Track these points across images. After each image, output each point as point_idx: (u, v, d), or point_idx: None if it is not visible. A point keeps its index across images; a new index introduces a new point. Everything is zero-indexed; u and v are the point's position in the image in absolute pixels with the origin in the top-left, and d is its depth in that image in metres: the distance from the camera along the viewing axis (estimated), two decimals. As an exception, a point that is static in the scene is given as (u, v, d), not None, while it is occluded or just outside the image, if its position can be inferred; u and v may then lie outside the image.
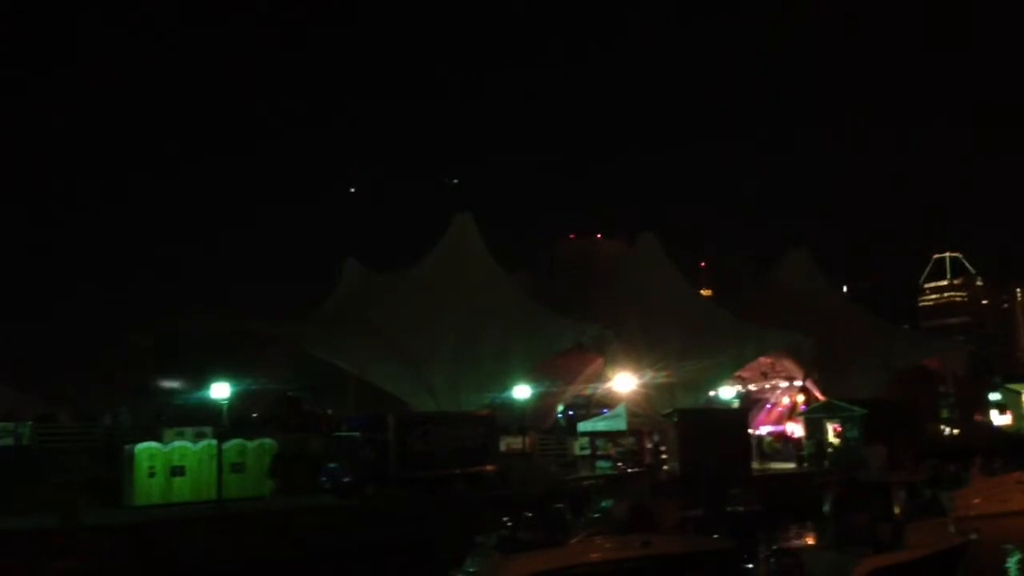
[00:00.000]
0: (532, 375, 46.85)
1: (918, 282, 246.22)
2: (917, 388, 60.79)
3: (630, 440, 41.95)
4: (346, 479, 31.39)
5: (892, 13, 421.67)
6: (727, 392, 58.04)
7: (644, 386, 50.67)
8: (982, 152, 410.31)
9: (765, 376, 62.03)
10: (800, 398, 59.19)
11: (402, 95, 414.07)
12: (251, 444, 32.58)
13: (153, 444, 30.64)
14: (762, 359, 59.21)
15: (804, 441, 49.02)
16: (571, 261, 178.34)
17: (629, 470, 37.40)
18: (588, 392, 55.34)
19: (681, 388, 51.91)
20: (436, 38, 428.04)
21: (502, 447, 38.24)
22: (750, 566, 20.96)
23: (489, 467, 34.90)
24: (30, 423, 35.12)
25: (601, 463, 41.29)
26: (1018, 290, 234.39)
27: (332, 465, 32.19)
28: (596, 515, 22.21)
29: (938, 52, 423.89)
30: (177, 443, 31.12)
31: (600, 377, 53.08)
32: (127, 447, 30.51)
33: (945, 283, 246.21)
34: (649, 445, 42.34)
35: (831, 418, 47.46)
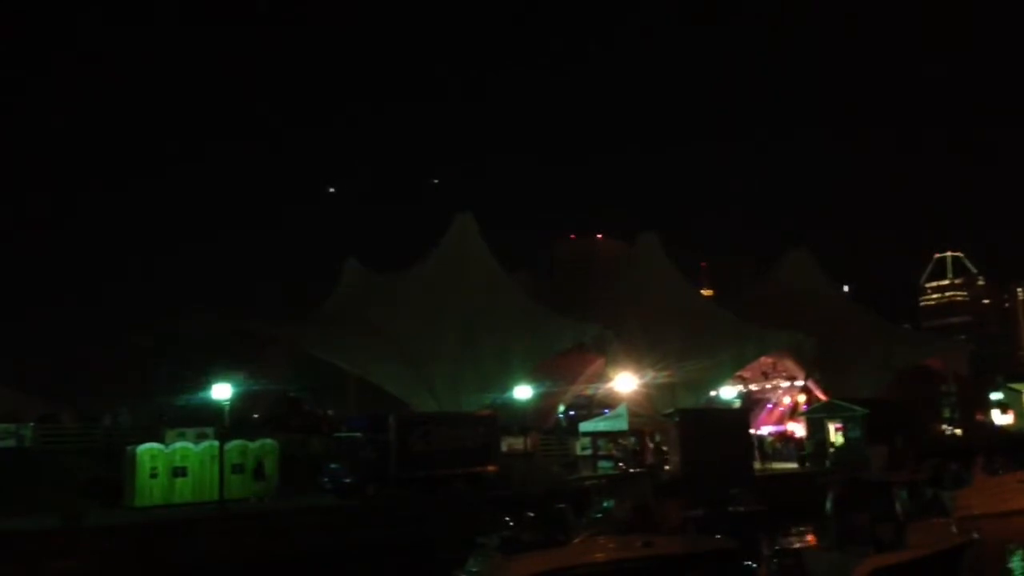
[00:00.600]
0: (533, 375, 46.86)
1: (919, 282, 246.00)
2: (918, 388, 60.79)
3: (631, 440, 41.93)
4: (347, 479, 31.36)
5: (892, 13, 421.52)
6: (728, 392, 57.99)
7: (645, 386, 50.67)
8: (982, 151, 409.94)
9: (766, 376, 62.05)
10: (801, 398, 59.18)
11: (402, 95, 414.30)
12: (252, 445, 32.57)
13: (155, 445, 30.63)
14: (763, 359, 59.23)
15: (805, 441, 49.00)
16: (571, 261, 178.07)
17: (631, 470, 37.42)
18: (589, 392, 55.35)
19: (682, 388, 51.93)
20: (436, 38, 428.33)
21: (503, 447, 38.19)
22: (752, 566, 20.93)
23: (490, 467, 34.86)
24: (32, 424, 35.10)
25: (603, 463, 41.27)
26: (1019, 289, 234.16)
27: (333, 465, 32.18)
28: (598, 515, 22.20)
29: (938, 52, 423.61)
30: (179, 444, 31.12)
31: (601, 377, 53.09)
32: (129, 448, 30.50)
33: (946, 282, 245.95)
34: (651, 445, 42.31)
35: (832, 418, 47.44)
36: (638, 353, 51.53)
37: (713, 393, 55.87)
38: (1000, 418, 65.56)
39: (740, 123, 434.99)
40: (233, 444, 31.41)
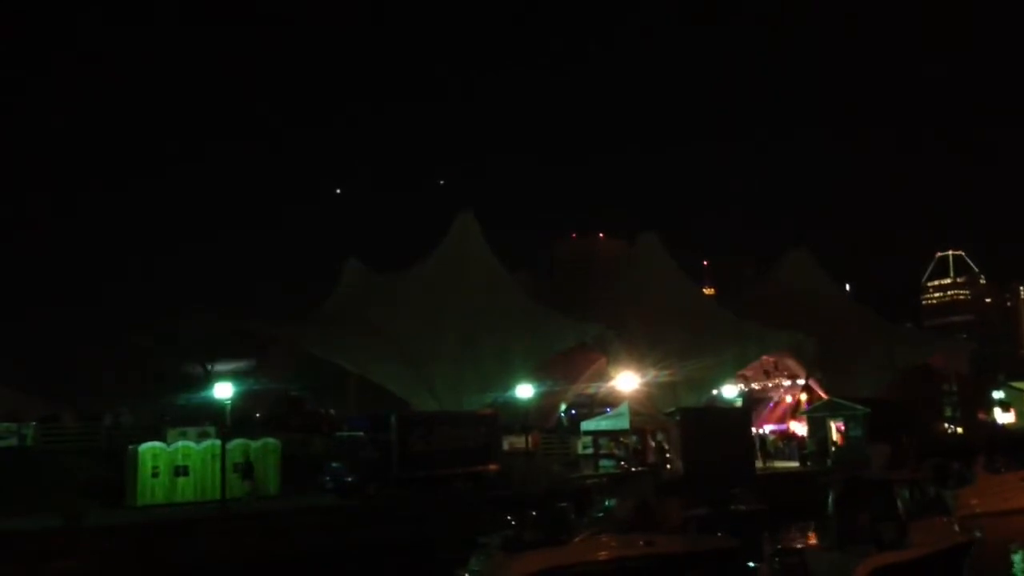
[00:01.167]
0: (534, 374, 46.83)
1: (921, 280, 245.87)
2: (920, 387, 60.69)
3: (633, 439, 41.89)
4: (348, 479, 31.36)
5: (892, 13, 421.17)
6: (730, 391, 57.93)
7: (647, 385, 50.64)
8: (982, 151, 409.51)
9: (768, 375, 61.99)
10: (803, 397, 59.14)
11: (402, 95, 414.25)
12: (254, 444, 32.59)
13: (157, 444, 30.68)
14: (765, 358, 59.18)
15: (807, 440, 48.96)
16: (572, 261, 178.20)
17: (632, 469, 37.40)
18: (591, 391, 55.32)
19: (684, 387, 51.90)
20: (436, 38, 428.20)
21: (505, 446, 38.18)
22: (753, 565, 20.89)
23: (492, 467, 34.86)
24: (33, 424, 35.13)
25: (604, 462, 41.25)
26: (1021, 288, 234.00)
27: (334, 465, 32.18)
28: (599, 514, 22.20)
29: (938, 52, 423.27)
30: (180, 443, 31.17)
31: (603, 376, 53.08)
32: (131, 447, 30.53)
33: (948, 281, 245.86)
34: (652, 444, 42.27)
35: (834, 417, 47.40)
36: (639, 352, 51.51)
37: (715, 392, 55.81)
38: (1002, 417, 65.51)
39: (740, 123, 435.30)
40: (235, 443, 31.42)
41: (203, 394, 33.34)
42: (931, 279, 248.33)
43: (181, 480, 30.44)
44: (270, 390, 45.82)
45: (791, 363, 59.03)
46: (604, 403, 53.37)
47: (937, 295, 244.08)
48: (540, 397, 46.92)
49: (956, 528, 20.55)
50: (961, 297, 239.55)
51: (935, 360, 66.11)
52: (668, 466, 40.15)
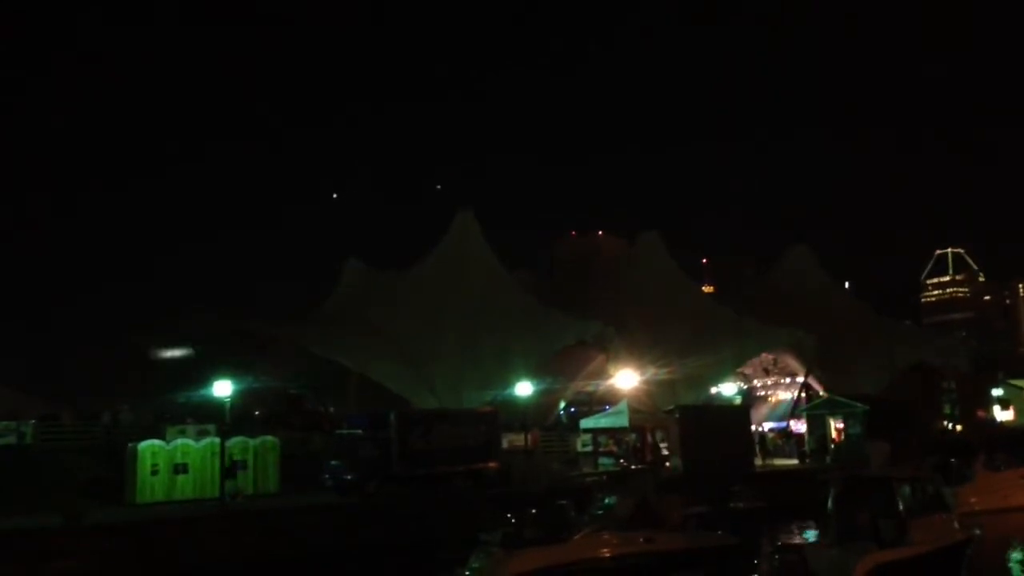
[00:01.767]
0: (534, 372, 46.84)
1: (920, 278, 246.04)
2: (919, 384, 60.75)
3: (632, 437, 41.91)
4: (348, 477, 31.37)
5: (892, 13, 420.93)
6: (729, 388, 58.02)
7: (646, 383, 50.67)
8: (982, 151, 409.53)
9: (767, 372, 62.08)
10: (802, 394, 59.19)
11: (402, 95, 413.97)
12: (253, 442, 32.60)
13: (156, 442, 30.71)
14: (764, 355, 59.23)
15: (806, 437, 48.98)
16: (571, 259, 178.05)
17: (632, 467, 37.44)
18: (590, 389, 55.34)
19: (683, 384, 51.90)
20: (436, 38, 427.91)
21: (504, 444, 38.19)
22: (753, 562, 20.92)
23: (491, 464, 34.85)
24: (32, 422, 35.14)
25: (604, 460, 41.28)
26: (1021, 286, 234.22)
27: (334, 463, 32.19)
28: (599, 512, 22.21)
29: (938, 52, 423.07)
30: (180, 441, 31.20)
31: (602, 374, 53.09)
32: (130, 445, 30.55)
33: (947, 279, 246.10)
34: (651, 441, 42.30)
35: (833, 414, 47.41)
36: (639, 350, 51.53)
37: (714, 390, 55.90)
38: (1001, 414, 65.55)
39: (740, 123, 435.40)
40: (234, 441, 31.44)
41: (202, 392, 33.32)
42: (930, 277, 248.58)
43: (180, 478, 30.47)
44: (270, 388, 45.81)
45: (791, 361, 59.08)
46: (603, 401, 53.39)
47: (936, 293, 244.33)
48: (539, 395, 46.94)
49: (956, 525, 20.55)
50: (960, 295, 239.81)
51: (934, 358, 66.16)
52: (667, 463, 40.19)
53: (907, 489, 20.12)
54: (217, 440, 30.64)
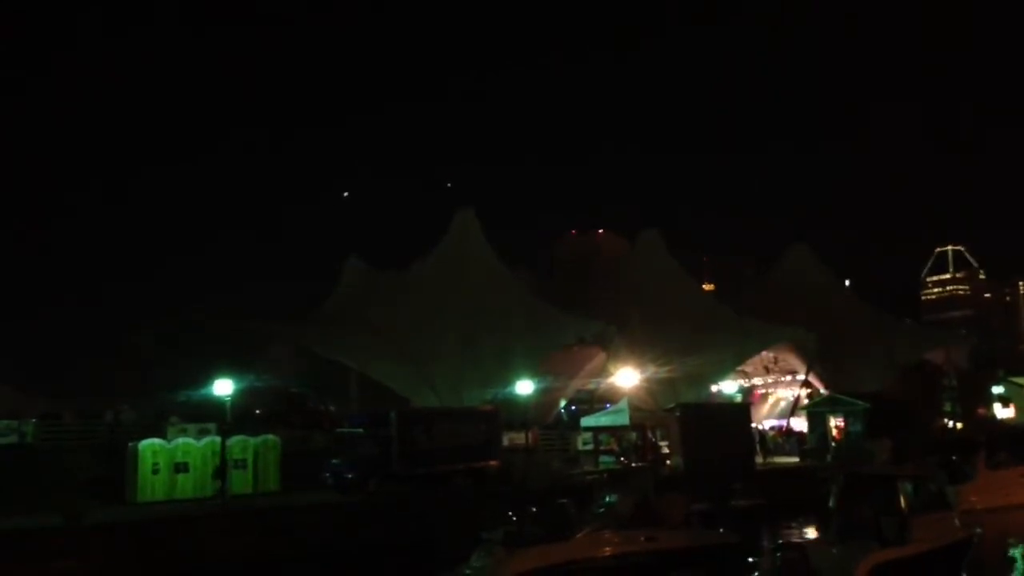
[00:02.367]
0: (534, 371, 46.84)
1: (920, 276, 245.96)
2: (920, 382, 60.71)
3: (633, 435, 41.91)
4: (349, 475, 31.37)
5: (892, 13, 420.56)
6: (730, 387, 58.00)
7: (647, 381, 50.66)
8: (982, 151, 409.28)
9: (768, 371, 62.07)
10: (803, 392, 59.19)
11: (403, 95, 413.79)
12: (254, 441, 32.59)
13: (157, 441, 30.70)
14: (764, 354, 59.20)
15: (807, 435, 48.97)
16: (571, 258, 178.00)
17: (633, 465, 37.43)
18: (591, 387, 55.36)
19: (684, 383, 51.88)
20: (436, 38, 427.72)
21: (505, 443, 38.19)
22: (755, 560, 20.91)
23: (492, 463, 34.85)
24: (33, 421, 35.13)
25: (604, 458, 41.28)
26: (1021, 283, 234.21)
27: (335, 461, 32.20)
28: (600, 510, 22.20)
29: (938, 52, 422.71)
30: (180, 440, 31.19)
31: (603, 372, 53.09)
32: (131, 444, 30.55)
33: (948, 277, 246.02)
34: (652, 440, 42.29)
35: (834, 412, 47.40)
36: (639, 348, 51.51)
37: (715, 388, 55.86)
38: (1001, 412, 65.48)
39: (740, 123, 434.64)
40: (235, 440, 31.43)
41: (203, 391, 33.31)
42: (930, 275, 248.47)
43: (181, 477, 30.46)
44: (270, 387, 45.80)
45: (791, 359, 59.05)
46: (604, 399, 53.42)
47: (936, 291, 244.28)
48: (540, 393, 46.97)
49: (957, 523, 20.54)
50: (960, 292, 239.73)
51: (935, 355, 66.16)
52: (668, 462, 40.18)
53: (909, 487, 20.11)
54: (218, 439, 30.65)
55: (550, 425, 50.42)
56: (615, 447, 42.04)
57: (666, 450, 41.78)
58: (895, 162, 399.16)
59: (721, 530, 23.19)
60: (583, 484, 31.42)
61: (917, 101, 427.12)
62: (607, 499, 22.67)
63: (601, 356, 52.87)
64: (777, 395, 62.69)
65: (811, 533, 27.92)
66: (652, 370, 50.70)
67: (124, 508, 28.47)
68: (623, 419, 42.02)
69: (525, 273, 70.07)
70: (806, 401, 55.86)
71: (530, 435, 40.66)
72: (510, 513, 21.59)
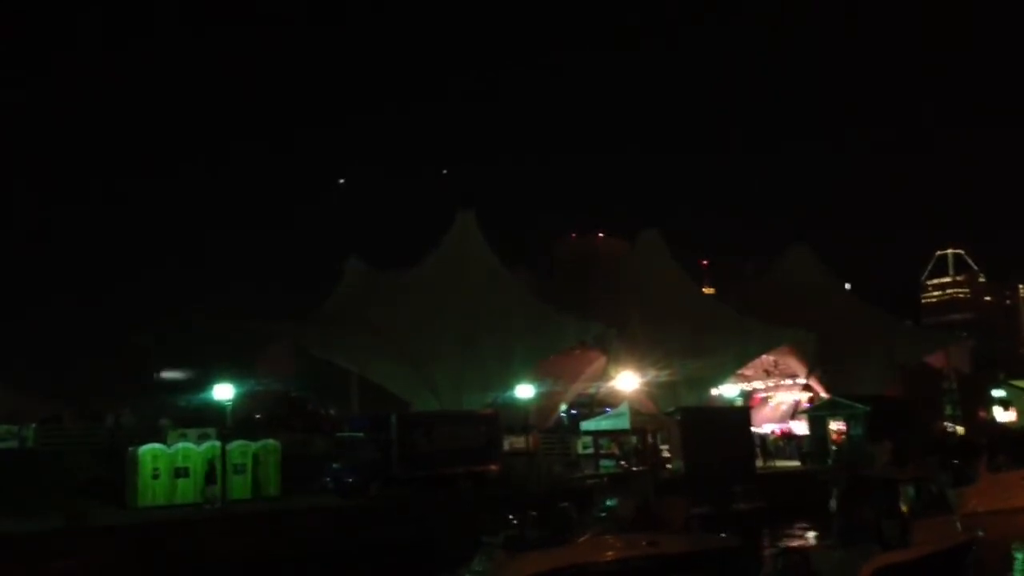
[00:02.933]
0: (535, 374, 46.81)
1: (921, 279, 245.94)
2: (920, 385, 60.68)
3: (633, 439, 41.87)
4: (349, 479, 31.35)
5: (892, 13, 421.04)
6: (730, 390, 57.94)
7: (647, 384, 50.62)
8: (982, 151, 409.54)
9: (768, 374, 62.02)
10: (803, 395, 59.14)
11: (402, 96, 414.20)
12: (254, 445, 32.54)
13: (157, 445, 30.64)
14: (765, 357, 59.16)
15: (805, 439, 48.91)
16: (571, 260, 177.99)
17: (633, 469, 37.41)
18: (591, 391, 55.29)
19: (684, 386, 51.85)
20: (436, 39, 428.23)
21: (505, 446, 38.16)
22: (756, 564, 20.90)
23: (492, 466, 34.83)
24: (34, 425, 35.10)
25: (605, 462, 41.25)
26: (1021, 286, 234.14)
27: (335, 465, 32.18)
28: (601, 514, 22.19)
29: (938, 52, 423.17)
30: (181, 444, 31.13)
31: (603, 376, 53.04)
32: (131, 448, 30.51)
33: (948, 280, 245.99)
34: (652, 444, 42.24)
35: (834, 415, 47.34)
36: (640, 351, 51.47)
37: (715, 391, 55.78)
38: (1002, 415, 65.45)
39: (740, 123, 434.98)
40: (235, 444, 31.40)
41: (203, 395, 33.31)
42: (931, 277, 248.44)
43: (181, 481, 30.36)
44: (271, 391, 45.77)
45: (792, 361, 59.01)
46: (604, 403, 53.37)
47: (937, 294, 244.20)
48: (540, 397, 46.95)
49: (959, 526, 20.54)
50: (961, 295, 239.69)
51: (935, 358, 66.15)
52: (668, 466, 40.15)
53: (911, 490, 20.13)
54: (218, 444, 30.62)
55: (550, 429, 50.37)
56: (616, 451, 41.99)
57: (667, 454, 41.74)
58: (895, 162, 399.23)
59: (722, 534, 23.18)
60: (583, 488, 31.40)
61: (917, 101, 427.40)
62: (608, 503, 22.68)
63: (601, 360, 52.84)
64: (778, 398, 62.62)
65: (813, 537, 27.90)
66: (652, 374, 50.67)
67: (124, 512, 28.46)
68: (623, 423, 41.98)
69: (525, 273, 70.08)
70: (807, 404, 55.79)
71: (530, 439, 40.61)
72: (511, 517, 21.58)
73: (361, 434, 33.30)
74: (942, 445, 45.67)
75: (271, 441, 33.37)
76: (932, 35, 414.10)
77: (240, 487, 31.13)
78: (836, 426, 46.85)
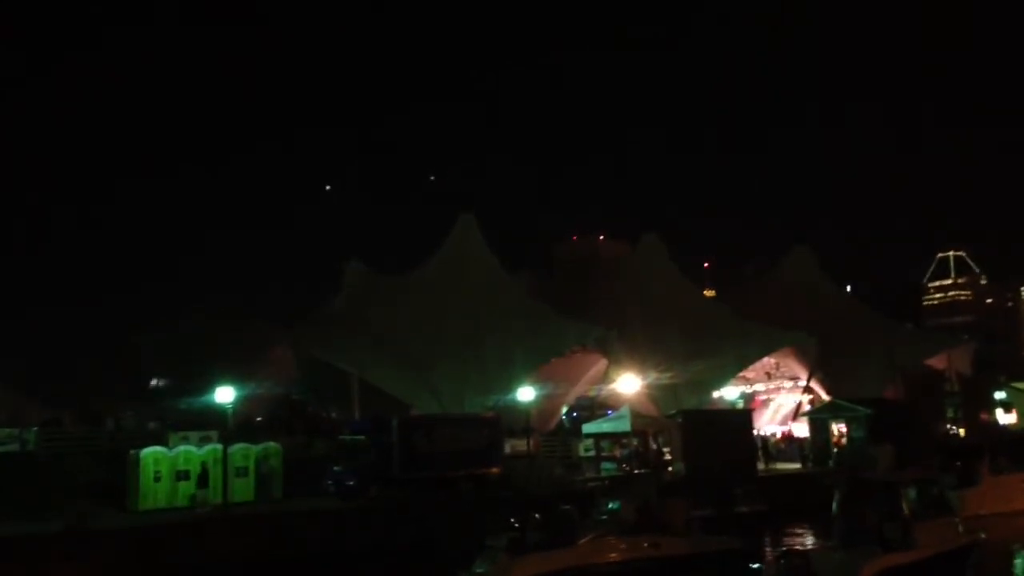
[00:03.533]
0: (536, 377, 46.82)
1: (922, 281, 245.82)
2: (921, 387, 60.65)
3: (635, 441, 41.88)
4: (350, 482, 31.35)
5: (892, 13, 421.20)
6: (731, 393, 57.92)
7: (648, 387, 50.61)
8: (982, 151, 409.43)
9: (769, 376, 62.02)
10: (805, 398, 59.11)
11: (403, 97, 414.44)
12: (255, 448, 32.56)
13: (158, 448, 30.67)
14: (766, 359, 59.16)
15: (806, 441, 48.86)
16: (572, 262, 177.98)
17: (635, 471, 37.42)
18: (592, 394, 55.29)
19: (685, 389, 51.85)
20: (436, 39, 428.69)
21: (507, 449, 38.16)
22: (758, 566, 20.91)
23: (494, 469, 34.82)
24: (35, 428, 35.12)
25: (606, 465, 41.25)
26: (1022, 289, 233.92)
27: (336, 468, 32.19)
28: (603, 517, 22.20)
29: (938, 52, 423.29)
30: (182, 447, 31.17)
31: (604, 379, 53.04)
32: (132, 451, 30.54)
33: (949, 282, 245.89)
34: (654, 446, 42.25)
35: (836, 418, 47.30)
36: (641, 354, 51.47)
37: (716, 394, 55.76)
38: (1003, 418, 65.43)
39: (740, 124, 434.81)
40: (236, 447, 31.41)
41: (204, 398, 33.31)
42: (932, 280, 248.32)
43: (183, 484, 30.41)
44: (272, 394, 45.78)
45: (793, 364, 58.99)
46: (605, 406, 53.38)
47: (938, 296, 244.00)
48: (542, 400, 46.92)
49: (960, 529, 20.54)
50: (962, 298, 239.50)
51: (937, 360, 66.12)
52: (669, 468, 40.14)
53: (912, 492, 20.13)
54: (219, 446, 30.64)
55: (552, 432, 50.37)
56: (617, 454, 42.00)
57: (668, 456, 41.74)
58: (895, 162, 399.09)
59: (724, 536, 23.18)
60: (585, 490, 31.43)
61: (917, 101, 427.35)
62: (609, 505, 22.68)
63: (602, 363, 52.84)
64: (779, 401, 62.60)
65: (814, 539, 27.89)
66: (654, 376, 50.66)
67: (126, 515, 28.48)
68: (625, 425, 41.96)
69: (527, 274, 70.11)
70: (808, 407, 55.76)
71: (532, 442, 40.63)
72: (512, 520, 21.60)
73: (362, 437, 33.30)
74: (944, 448, 45.60)
75: (272, 444, 33.41)
76: (932, 35, 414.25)
77: (242, 490, 31.16)
78: (837, 429, 46.82)
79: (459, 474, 33.23)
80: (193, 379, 43.15)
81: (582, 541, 20.58)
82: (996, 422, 64.75)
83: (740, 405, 57.25)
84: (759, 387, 62.78)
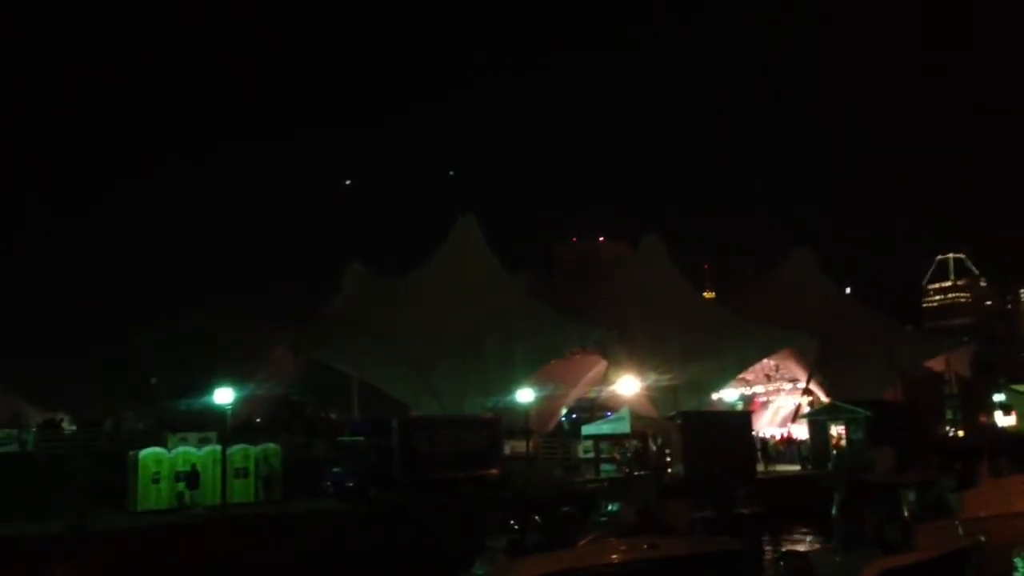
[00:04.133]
0: (536, 378, 46.85)
1: (921, 283, 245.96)
2: (921, 389, 60.66)
3: (634, 443, 41.89)
4: (350, 483, 31.34)
5: (892, 13, 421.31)
6: (731, 394, 57.94)
7: (648, 389, 50.62)
8: (982, 151, 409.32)
9: (769, 378, 62.04)
10: (804, 400, 59.12)
11: (403, 98, 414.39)
12: (255, 449, 32.55)
13: (158, 449, 30.66)
14: (766, 361, 59.18)
15: (803, 443, 48.88)
16: (572, 263, 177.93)
17: (635, 473, 37.42)
18: (592, 395, 55.31)
19: (685, 390, 51.84)
20: (436, 40, 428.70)
21: (506, 450, 38.16)
22: (758, 567, 20.93)
23: (493, 470, 34.81)
24: (34, 429, 35.11)
25: (605, 466, 41.25)
26: (1022, 291, 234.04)
27: (336, 469, 32.17)
28: (603, 518, 22.21)
29: (938, 52, 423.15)
30: (181, 448, 31.15)
31: (604, 380, 53.05)
32: (131, 452, 30.53)
33: (948, 284, 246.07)
34: (653, 448, 42.26)
35: (835, 420, 47.31)
36: (640, 356, 51.49)
37: (716, 396, 55.79)
38: (1003, 420, 65.47)
39: (741, 124, 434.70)
40: (236, 448, 31.40)
41: (204, 399, 33.30)
42: (931, 282, 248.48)
43: (182, 485, 30.40)
44: (271, 395, 45.76)
45: (792, 366, 59.01)
46: (605, 407, 53.40)
47: (938, 298, 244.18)
48: (541, 401, 46.95)
49: (960, 531, 20.55)
50: (962, 300, 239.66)
51: (936, 363, 66.14)
52: (669, 470, 40.15)
53: (912, 494, 20.13)
54: (218, 448, 30.62)
55: (551, 433, 50.37)
56: (616, 455, 42.01)
57: (668, 458, 41.74)
58: (895, 163, 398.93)
59: (724, 537, 23.19)
60: (584, 492, 31.43)
61: (917, 101, 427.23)
62: (609, 507, 22.69)
63: (602, 364, 52.86)
64: (778, 403, 62.62)
65: (813, 541, 27.89)
66: (653, 378, 50.68)
67: (125, 516, 28.47)
68: (624, 427, 41.97)
69: (527, 274, 70.15)
70: (807, 409, 55.78)
71: (531, 443, 40.64)
72: (512, 521, 21.60)
73: (362, 438, 33.28)
74: (943, 449, 45.62)
75: (272, 445, 33.40)
76: (932, 35, 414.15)
77: (241, 491, 31.15)
78: (837, 430, 46.81)
79: (459, 475, 33.23)
80: (193, 379, 43.17)
81: (582, 542, 20.57)
82: (995, 424, 64.81)
83: (740, 407, 57.31)
84: (759, 389, 62.80)
